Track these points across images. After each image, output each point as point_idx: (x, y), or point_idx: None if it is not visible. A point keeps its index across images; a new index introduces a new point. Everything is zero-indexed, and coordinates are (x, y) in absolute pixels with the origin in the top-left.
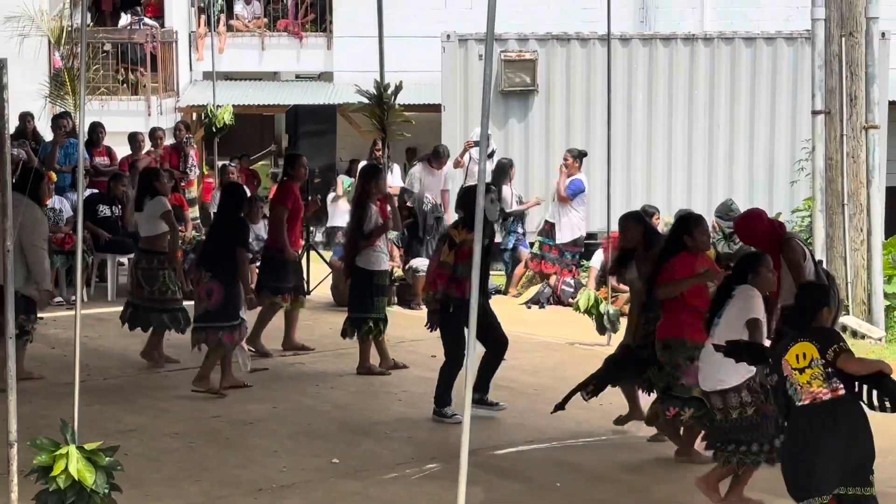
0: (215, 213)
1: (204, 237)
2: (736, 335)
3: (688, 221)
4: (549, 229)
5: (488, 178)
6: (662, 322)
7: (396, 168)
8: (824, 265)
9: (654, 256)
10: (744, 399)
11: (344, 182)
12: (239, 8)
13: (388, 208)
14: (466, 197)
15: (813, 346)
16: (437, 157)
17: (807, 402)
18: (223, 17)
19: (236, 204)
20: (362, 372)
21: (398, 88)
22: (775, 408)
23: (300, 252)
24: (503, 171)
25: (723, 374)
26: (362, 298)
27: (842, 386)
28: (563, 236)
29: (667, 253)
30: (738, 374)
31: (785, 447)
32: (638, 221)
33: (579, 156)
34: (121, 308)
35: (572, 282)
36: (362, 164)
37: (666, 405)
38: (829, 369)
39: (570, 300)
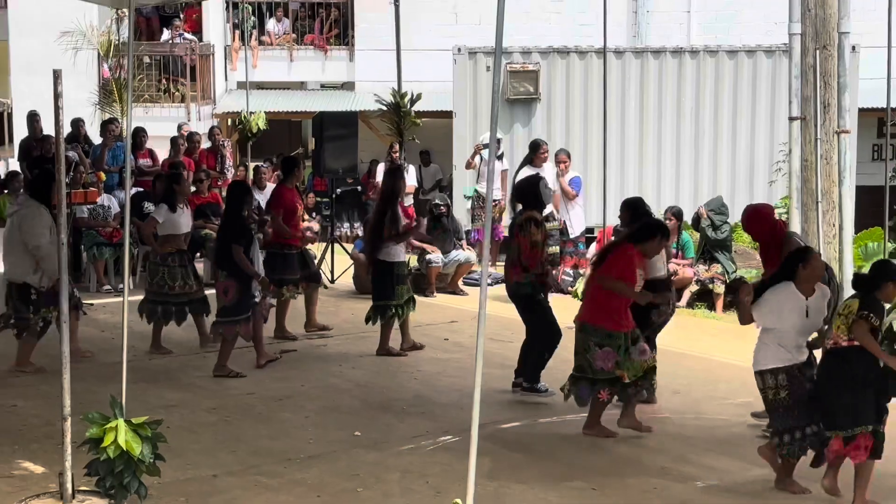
0: (225, 211)
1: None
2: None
3: (649, 228)
4: (560, 226)
5: (498, 178)
6: (588, 305)
7: (412, 168)
8: None
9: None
10: (780, 382)
11: (466, 191)
12: (270, 25)
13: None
14: (525, 189)
15: (857, 302)
16: (535, 151)
17: (830, 345)
18: (255, 32)
19: (238, 202)
20: (382, 353)
21: (416, 98)
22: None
23: (300, 245)
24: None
25: (760, 355)
26: (384, 287)
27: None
28: (575, 230)
29: (614, 244)
30: (776, 358)
31: (817, 383)
32: (626, 207)
33: (569, 156)
34: None
35: (571, 271)
36: (381, 165)
37: (578, 386)
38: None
39: (570, 288)
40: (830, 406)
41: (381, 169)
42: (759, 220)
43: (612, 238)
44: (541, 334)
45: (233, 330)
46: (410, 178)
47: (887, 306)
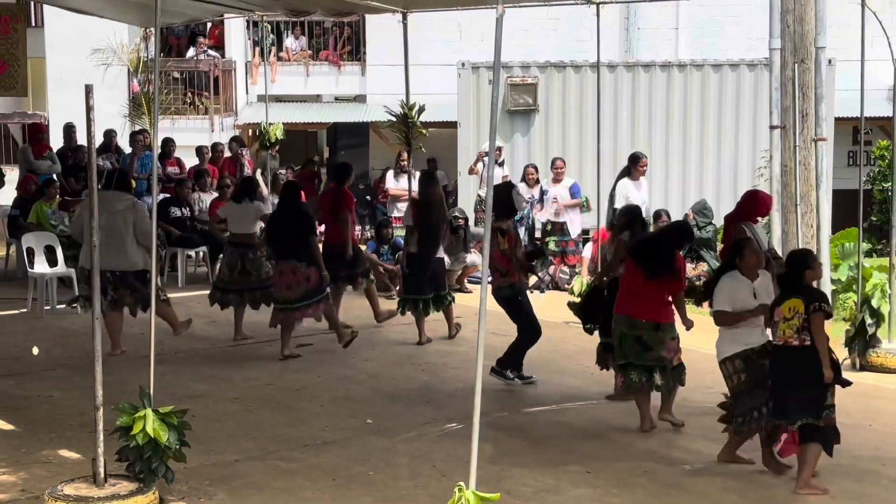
0: (277, 208)
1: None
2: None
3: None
4: (560, 228)
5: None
6: (652, 306)
7: (418, 175)
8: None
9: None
10: (737, 366)
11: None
12: (289, 42)
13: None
14: (498, 196)
15: (801, 301)
16: (634, 163)
17: (779, 343)
18: (274, 49)
19: (297, 197)
20: (423, 342)
21: (421, 109)
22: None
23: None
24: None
25: (719, 346)
26: (419, 282)
27: (809, 339)
28: (575, 230)
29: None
30: (732, 345)
31: (770, 377)
32: (623, 213)
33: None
34: (190, 294)
35: (567, 269)
36: (389, 171)
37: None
38: (806, 324)
39: (566, 286)
40: (775, 398)
41: (389, 175)
42: (755, 203)
43: (610, 240)
44: (526, 331)
45: (321, 308)
46: (416, 184)
47: None
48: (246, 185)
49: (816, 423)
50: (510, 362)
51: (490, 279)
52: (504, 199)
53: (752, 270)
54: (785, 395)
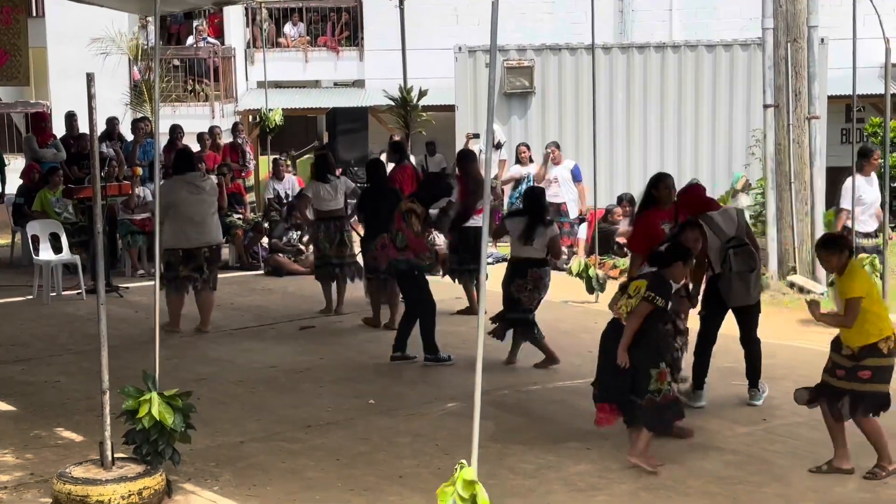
0: (369, 184)
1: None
2: None
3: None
4: (556, 209)
5: (495, 166)
6: None
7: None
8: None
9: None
10: None
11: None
12: (287, 28)
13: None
14: (432, 182)
15: (645, 283)
16: (866, 157)
17: (616, 316)
18: (272, 33)
19: (383, 175)
20: (463, 312)
21: (423, 93)
22: None
23: None
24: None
25: None
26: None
27: None
28: (573, 212)
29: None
30: None
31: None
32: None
33: (558, 146)
34: None
35: (566, 250)
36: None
37: None
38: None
39: (564, 266)
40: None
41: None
42: (693, 196)
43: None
44: (419, 307)
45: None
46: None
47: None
48: (323, 162)
49: (636, 400)
50: (429, 345)
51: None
52: (435, 186)
53: (679, 278)
54: (608, 368)
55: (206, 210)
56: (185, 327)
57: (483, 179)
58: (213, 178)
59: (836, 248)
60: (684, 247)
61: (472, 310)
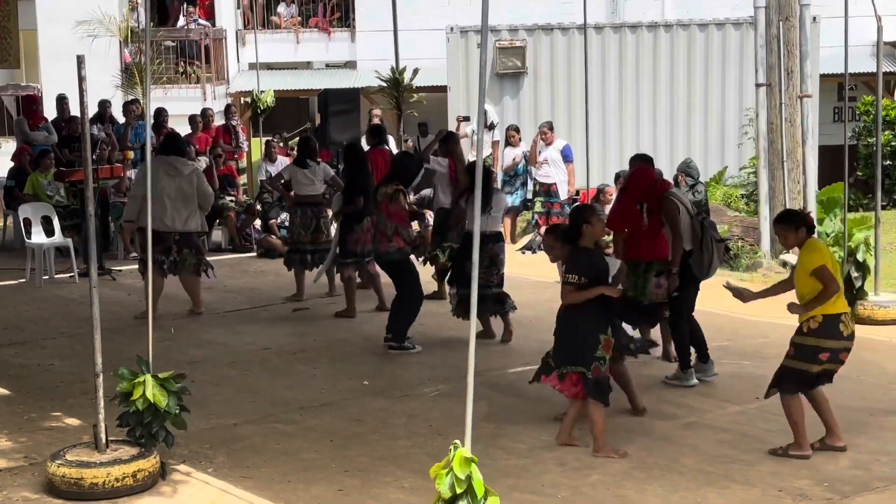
0: (348, 166)
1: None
2: None
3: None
4: (546, 190)
5: (487, 149)
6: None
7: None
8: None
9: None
10: None
11: None
12: (281, 8)
13: None
14: (401, 163)
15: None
16: None
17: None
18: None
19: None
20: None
21: (415, 72)
22: None
23: None
24: None
25: None
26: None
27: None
28: (563, 192)
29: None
30: None
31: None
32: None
33: (551, 127)
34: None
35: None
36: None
37: None
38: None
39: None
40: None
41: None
42: (639, 180)
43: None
44: (408, 298)
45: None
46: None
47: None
48: (306, 147)
49: (585, 372)
50: (401, 334)
51: (381, 245)
52: (408, 164)
53: (598, 235)
54: (557, 342)
55: (180, 195)
56: (165, 309)
57: (463, 160)
58: (203, 162)
59: (791, 223)
60: (583, 206)
61: (439, 294)
